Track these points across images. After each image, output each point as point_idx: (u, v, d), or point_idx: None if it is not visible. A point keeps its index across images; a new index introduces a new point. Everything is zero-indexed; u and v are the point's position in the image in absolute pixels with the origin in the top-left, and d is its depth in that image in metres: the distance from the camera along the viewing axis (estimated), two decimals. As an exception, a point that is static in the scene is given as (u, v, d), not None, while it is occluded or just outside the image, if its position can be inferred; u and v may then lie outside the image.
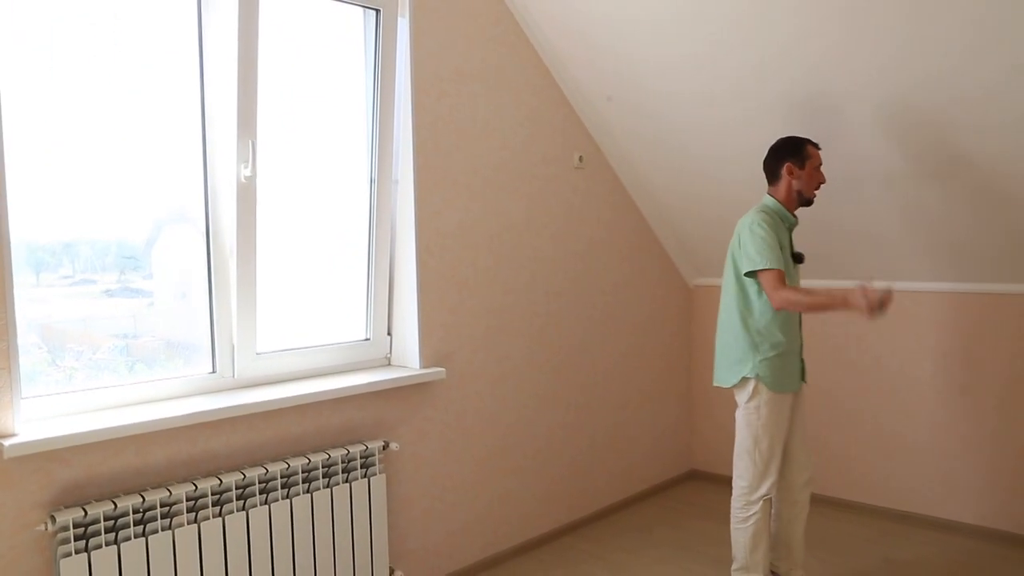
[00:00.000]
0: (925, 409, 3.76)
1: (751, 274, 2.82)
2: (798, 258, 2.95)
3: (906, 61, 2.80)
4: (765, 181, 3.00)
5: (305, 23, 2.89)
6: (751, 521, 2.91)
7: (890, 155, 3.21)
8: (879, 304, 2.51)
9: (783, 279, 2.74)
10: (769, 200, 2.95)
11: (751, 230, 2.81)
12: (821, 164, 2.95)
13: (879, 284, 2.56)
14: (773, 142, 2.99)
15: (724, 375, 2.96)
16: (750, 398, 2.88)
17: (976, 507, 3.62)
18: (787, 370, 2.89)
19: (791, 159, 2.90)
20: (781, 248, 2.79)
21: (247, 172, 2.63)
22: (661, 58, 3.30)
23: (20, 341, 2.20)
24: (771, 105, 3.27)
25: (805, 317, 3.10)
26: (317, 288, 3.06)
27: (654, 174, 3.95)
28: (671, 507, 4.11)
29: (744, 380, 2.88)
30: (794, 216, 2.96)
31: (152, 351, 2.67)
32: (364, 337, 3.11)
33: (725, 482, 4.31)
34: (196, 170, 2.62)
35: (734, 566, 3.00)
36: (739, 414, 2.95)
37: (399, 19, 3.00)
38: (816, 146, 2.96)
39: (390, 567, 2.91)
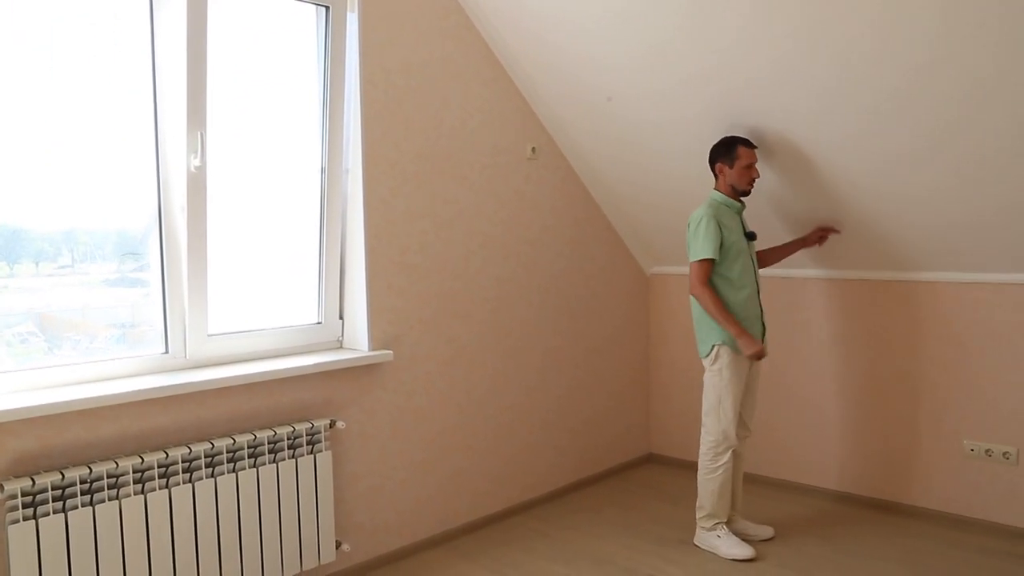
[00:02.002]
0: (814, 386, 4.06)
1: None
2: (750, 236, 3.37)
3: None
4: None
5: (257, 18, 3.01)
6: (720, 471, 3.33)
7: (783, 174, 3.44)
8: (756, 357, 3.23)
9: (708, 271, 3.24)
10: (715, 194, 3.37)
11: (697, 225, 3.27)
12: (754, 162, 3.29)
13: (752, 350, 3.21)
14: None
15: (701, 347, 3.37)
16: (714, 362, 3.32)
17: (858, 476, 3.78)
18: (752, 333, 3.30)
19: (722, 160, 3.31)
20: (727, 231, 3.24)
21: (196, 162, 2.75)
22: (609, 57, 3.42)
23: (17, 330, 2.33)
24: (715, 105, 3.40)
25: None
26: (272, 273, 3.18)
27: (608, 167, 4.07)
28: (625, 489, 4.25)
29: (716, 347, 3.29)
30: (740, 202, 3.35)
31: (150, 341, 2.80)
32: (316, 321, 3.24)
33: (682, 466, 4.48)
34: (149, 160, 2.74)
35: (700, 513, 3.41)
36: (706, 377, 3.38)
37: (348, 14, 3.12)
38: (749, 145, 3.29)
39: (337, 540, 3.04)
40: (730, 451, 3.32)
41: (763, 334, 3.41)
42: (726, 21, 2.99)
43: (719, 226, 3.23)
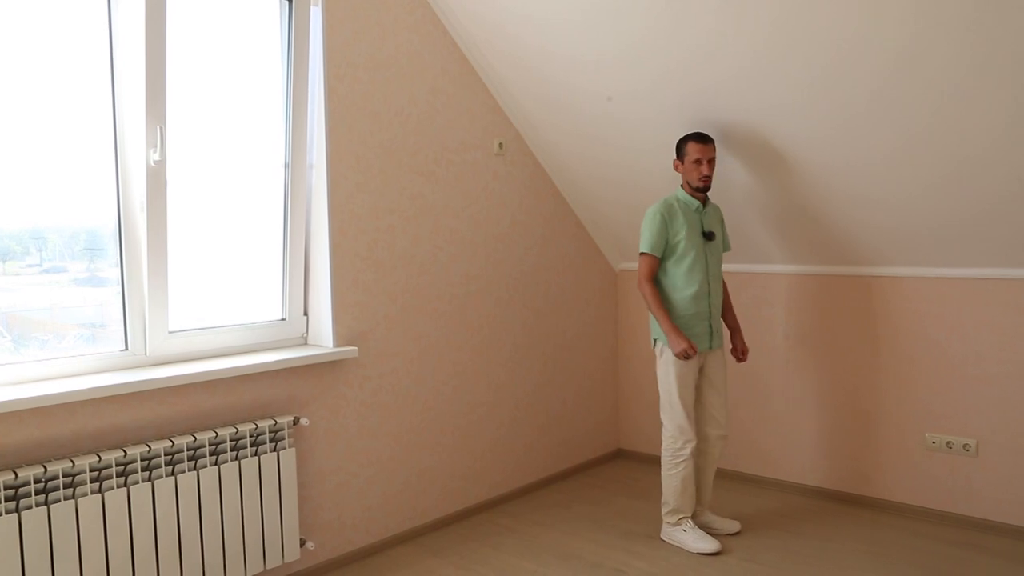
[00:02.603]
0: (779, 381, 4.10)
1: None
2: (708, 236, 3.35)
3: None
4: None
5: (219, 10, 2.96)
6: (680, 467, 3.36)
7: (750, 174, 3.46)
8: (683, 356, 3.20)
9: (652, 267, 3.31)
10: (678, 191, 3.42)
11: (645, 218, 3.37)
12: (703, 157, 3.29)
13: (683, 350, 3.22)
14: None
15: (651, 338, 3.45)
16: (659, 357, 3.39)
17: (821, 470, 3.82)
18: (692, 331, 3.33)
19: (676, 157, 3.36)
20: (675, 228, 3.28)
21: (156, 156, 2.71)
22: (579, 54, 3.41)
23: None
24: (685, 104, 3.41)
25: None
26: (236, 269, 3.14)
27: (576, 163, 4.07)
28: (594, 485, 4.25)
29: (656, 341, 3.39)
30: (701, 200, 3.37)
31: (113, 338, 2.75)
32: (280, 317, 3.21)
33: (651, 461, 4.50)
34: (109, 155, 2.69)
35: (665, 509, 3.45)
36: (657, 372, 3.42)
37: (312, 8, 3.09)
38: (702, 140, 3.29)
39: (301, 538, 3.02)
40: (688, 446, 3.33)
41: (710, 337, 3.36)
42: (697, 20, 2.99)
43: (665, 223, 3.29)
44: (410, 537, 3.51)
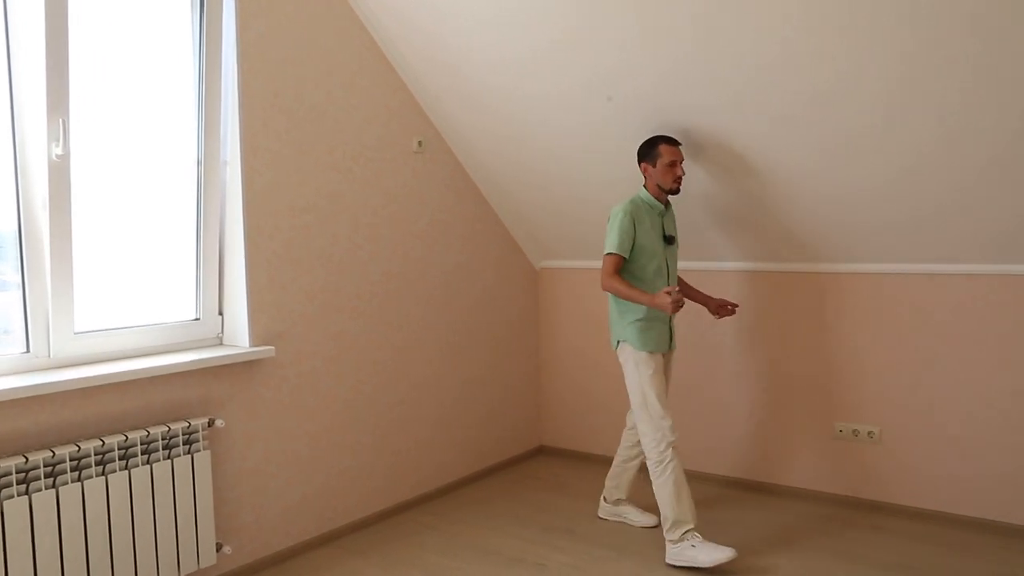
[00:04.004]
0: (693, 373, 4.19)
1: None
2: (669, 240, 3.35)
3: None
4: (611, 179, 3.51)
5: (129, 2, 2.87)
6: (668, 470, 3.15)
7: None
8: (677, 303, 3.01)
9: (617, 265, 3.20)
10: (642, 192, 3.36)
11: (612, 217, 3.27)
12: (677, 159, 3.28)
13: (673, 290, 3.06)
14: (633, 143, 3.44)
15: (612, 340, 3.38)
16: (627, 363, 3.29)
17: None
18: (653, 333, 3.28)
19: (645, 160, 3.34)
20: (642, 230, 3.23)
21: (59, 151, 2.61)
22: (498, 55, 3.43)
23: None
24: (611, 109, 3.45)
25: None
26: (148, 268, 3.05)
27: (496, 163, 4.09)
28: (516, 481, 4.28)
29: (620, 343, 3.31)
30: (664, 204, 3.34)
31: (22, 343, 2.62)
32: (194, 317, 3.13)
33: (571, 456, 4.56)
34: (5, 148, 2.57)
35: (665, 526, 3.18)
36: (625, 375, 3.31)
37: (224, 1, 3.02)
38: (672, 142, 3.29)
39: (217, 543, 2.95)
40: (671, 447, 3.15)
41: (669, 339, 3.36)
42: (623, 24, 3.02)
43: (633, 223, 3.21)
44: (331, 539, 3.46)
